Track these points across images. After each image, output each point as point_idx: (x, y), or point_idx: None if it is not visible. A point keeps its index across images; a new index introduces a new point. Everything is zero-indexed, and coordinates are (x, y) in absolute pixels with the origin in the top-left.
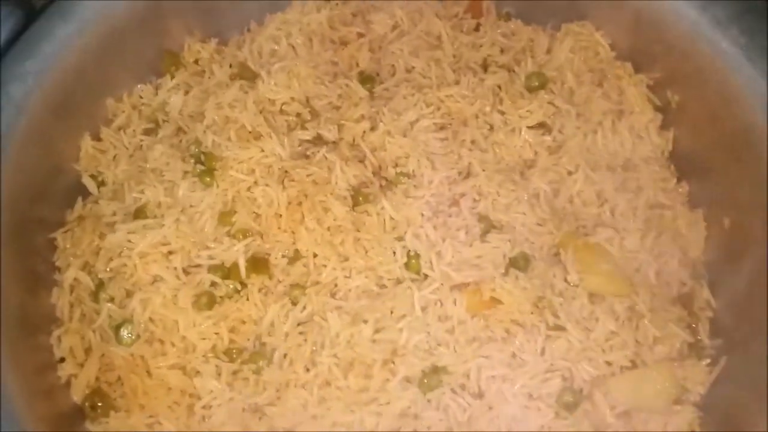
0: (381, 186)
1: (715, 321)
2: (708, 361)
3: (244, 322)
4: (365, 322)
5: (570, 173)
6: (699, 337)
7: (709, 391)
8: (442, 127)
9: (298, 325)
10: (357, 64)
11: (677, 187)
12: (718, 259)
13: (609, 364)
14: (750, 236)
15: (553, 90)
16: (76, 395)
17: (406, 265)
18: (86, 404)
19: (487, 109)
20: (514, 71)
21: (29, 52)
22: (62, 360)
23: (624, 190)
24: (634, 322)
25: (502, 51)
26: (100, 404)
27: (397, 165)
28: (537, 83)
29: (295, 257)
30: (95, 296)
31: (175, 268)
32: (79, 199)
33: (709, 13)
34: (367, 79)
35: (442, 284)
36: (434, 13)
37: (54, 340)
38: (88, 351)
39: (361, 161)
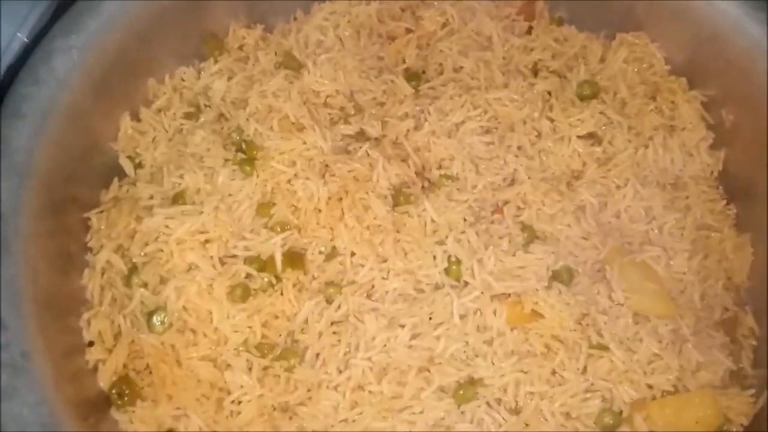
0: (423, 187)
1: (758, 350)
2: (752, 391)
3: (277, 317)
4: (402, 326)
5: (618, 187)
6: (741, 365)
7: (751, 424)
8: (488, 131)
9: (332, 324)
10: (404, 60)
11: (725, 209)
12: (764, 286)
13: (650, 387)
14: None
15: (605, 100)
16: (103, 381)
17: (446, 271)
18: (113, 391)
19: (536, 115)
20: (565, 78)
21: (75, 26)
22: (91, 344)
23: (672, 208)
24: (677, 345)
25: (553, 56)
26: (127, 392)
27: (440, 167)
28: (589, 92)
29: (332, 254)
30: (127, 281)
31: (212, 257)
32: (115, 179)
33: None
34: (413, 76)
35: (482, 293)
36: (486, 12)
37: (83, 323)
38: (117, 336)
39: (404, 160)
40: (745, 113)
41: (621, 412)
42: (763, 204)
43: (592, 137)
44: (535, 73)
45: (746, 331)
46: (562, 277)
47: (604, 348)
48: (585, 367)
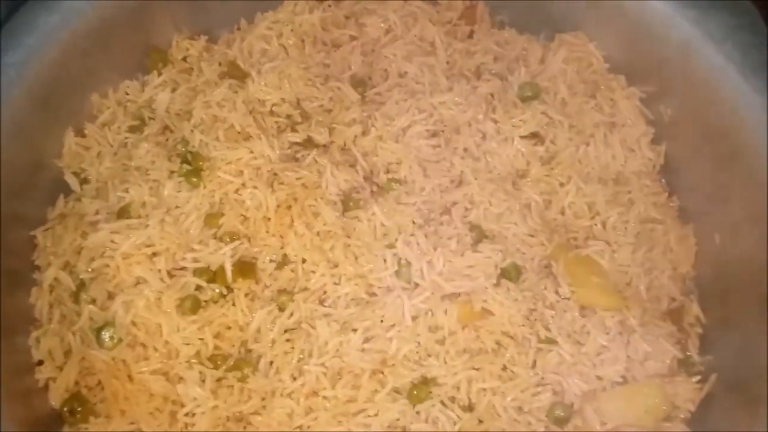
0: (372, 192)
1: (704, 337)
2: (698, 378)
3: (229, 328)
4: (354, 330)
5: (562, 185)
6: (688, 353)
7: (698, 409)
8: (434, 134)
9: (285, 332)
10: (349, 67)
11: (668, 201)
12: (709, 274)
13: (600, 378)
14: (741, 253)
15: (546, 100)
16: (55, 400)
17: (397, 274)
18: (65, 409)
19: (480, 117)
20: (507, 80)
21: (10, 43)
22: (40, 363)
23: (615, 203)
24: (625, 336)
25: (495, 59)
26: (79, 409)
27: (388, 171)
28: (530, 93)
29: (283, 262)
30: (76, 297)
31: (159, 271)
32: (61, 196)
33: (703, 28)
34: (359, 83)
35: (432, 294)
36: (428, 18)
37: (32, 342)
38: (67, 354)
39: (352, 166)
40: (682, 107)
41: (572, 405)
42: (705, 194)
43: (534, 137)
44: (478, 76)
45: (692, 320)
46: (509, 274)
47: (553, 342)
48: (535, 362)
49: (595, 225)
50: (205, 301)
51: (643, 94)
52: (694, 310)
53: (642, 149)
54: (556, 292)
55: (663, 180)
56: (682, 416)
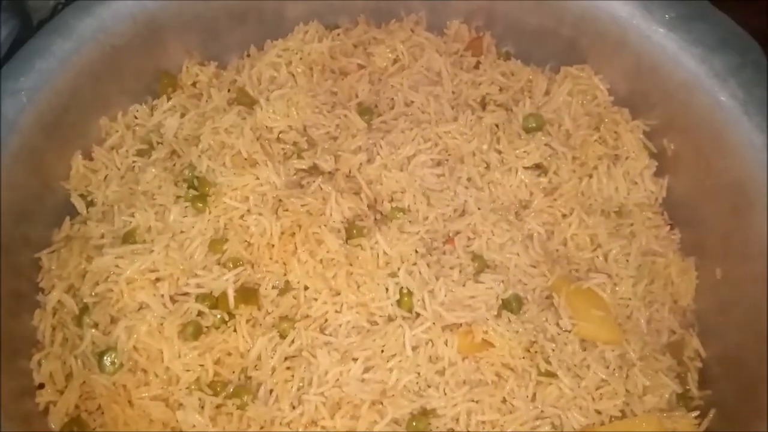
0: (376, 220)
1: (704, 371)
2: (697, 413)
3: (230, 354)
4: (354, 360)
5: (564, 216)
6: (688, 387)
7: None
8: (438, 163)
9: (286, 359)
10: (356, 96)
11: (670, 234)
12: (709, 308)
13: (599, 412)
14: (741, 287)
15: (550, 132)
16: (55, 423)
17: (398, 303)
18: None
19: (485, 147)
20: (512, 111)
21: (24, 68)
22: (41, 386)
23: (617, 235)
24: (624, 370)
25: (500, 90)
26: None
27: (392, 199)
28: (534, 124)
29: (286, 289)
30: (79, 321)
31: (162, 296)
32: (67, 218)
33: (708, 65)
34: (365, 111)
35: (434, 324)
36: (435, 48)
37: (34, 365)
38: (68, 377)
39: (357, 193)
40: (685, 142)
41: None
42: (707, 228)
43: (538, 168)
44: (484, 106)
45: (692, 353)
46: (511, 305)
47: (553, 375)
48: (534, 395)
49: (597, 257)
50: (207, 327)
51: (647, 127)
52: (694, 344)
53: (645, 182)
54: (557, 324)
55: (665, 213)
56: None
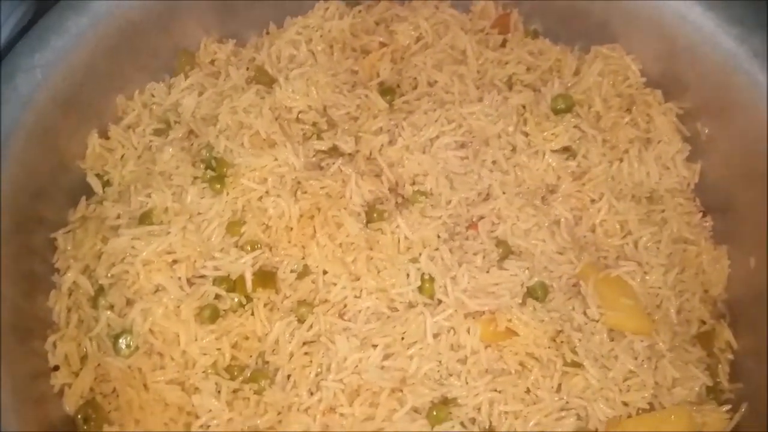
0: (397, 204)
1: (735, 364)
2: (728, 407)
3: (247, 338)
4: (374, 346)
5: (593, 201)
6: (718, 380)
7: None
8: (462, 146)
9: (304, 344)
10: (378, 75)
11: (702, 221)
12: (742, 299)
13: (626, 404)
14: None
15: (579, 114)
16: (69, 406)
17: (420, 289)
18: (79, 416)
19: (511, 129)
20: (539, 91)
21: (39, 44)
22: (56, 368)
23: (648, 222)
24: (653, 361)
25: (528, 69)
26: (93, 416)
27: (414, 182)
28: (563, 106)
29: (304, 273)
30: (94, 302)
31: (179, 278)
32: (83, 198)
33: (748, 45)
34: (387, 91)
35: (456, 311)
36: (460, 26)
37: (49, 347)
38: (83, 360)
39: (378, 176)
40: (720, 125)
41: (596, 431)
42: (741, 216)
43: (566, 151)
44: (510, 86)
45: (723, 345)
46: (536, 293)
47: (579, 365)
48: (560, 385)
49: (627, 244)
50: (224, 311)
51: (680, 110)
52: (725, 335)
53: (677, 167)
54: (584, 314)
55: (697, 199)
56: None
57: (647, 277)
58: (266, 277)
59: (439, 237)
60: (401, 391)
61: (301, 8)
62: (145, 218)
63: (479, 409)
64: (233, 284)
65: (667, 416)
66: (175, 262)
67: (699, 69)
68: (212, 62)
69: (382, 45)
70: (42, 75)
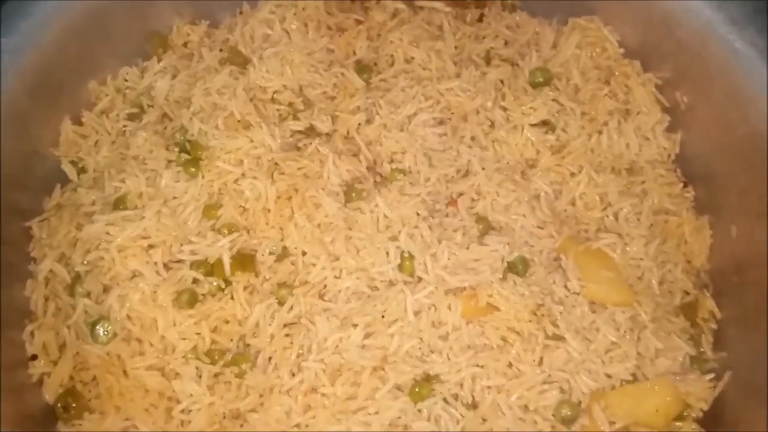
0: (375, 182)
1: (719, 333)
2: (711, 376)
3: (227, 322)
4: (355, 326)
5: (573, 175)
6: (702, 350)
7: (711, 408)
8: (441, 122)
9: (285, 326)
10: (354, 53)
11: (683, 192)
12: (724, 268)
13: (609, 376)
14: (758, 246)
15: (557, 87)
16: (49, 395)
17: (400, 267)
18: (59, 405)
19: (489, 104)
20: (517, 65)
21: (4, 29)
22: (34, 357)
23: (628, 194)
24: (635, 333)
25: (506, 44)
26: (73, 405)
27: (392, 160)
28: (541, 79)
29: (283, 254)
30: (71, 290)
31: (155, 263)
32: (58, 186)
33: (724, 12)
34: (364, 69)
35: (436, 288)
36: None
37: (26, 336)
38: (62, 348)
39: (355, 155)
40: (699, 94)
41: (580, 403)
42: (722, 185)
43: (545, 125)
44: (488, 61)
45: (706, 315)
46: (517, 268)
47: (560, 338)
48: (541, 359)
49: (607, 217)
50: (203, 295)
51: (659, 80)
52: (708, 305)
53: (657, 138)
54: (565, 287)
55: (678, 170)
56: (694, 415)
57: (628, 249)
58: (245, 260)
59: (418, 215)
60: (383, 369)
61: None
62: (119, 203)
63: (462, 384)
64: (211, 268)
65: (651, 387)
66: (150, 247)
67: (676, 38)
68: (185, 44)
69: (358, 22)
70: (9, 61)
